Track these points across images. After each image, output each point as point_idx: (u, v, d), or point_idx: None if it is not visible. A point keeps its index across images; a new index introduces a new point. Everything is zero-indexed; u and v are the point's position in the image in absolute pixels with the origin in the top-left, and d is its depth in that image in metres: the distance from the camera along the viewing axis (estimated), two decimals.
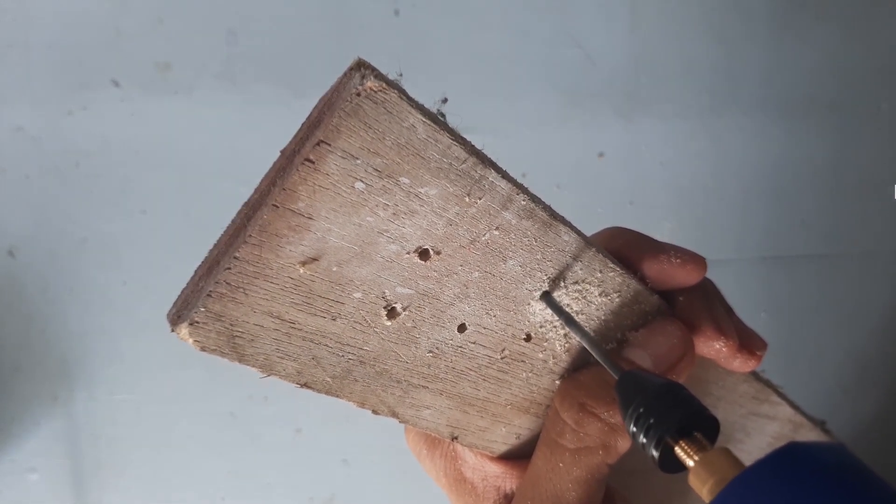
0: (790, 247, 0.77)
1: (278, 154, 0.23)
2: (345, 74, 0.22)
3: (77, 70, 0.66)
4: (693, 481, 0.24)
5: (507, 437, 0.32)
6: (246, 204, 0.23)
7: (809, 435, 0.43)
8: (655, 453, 0.25)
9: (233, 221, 0.23)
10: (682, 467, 0.25)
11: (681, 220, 0.73)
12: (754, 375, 0.39)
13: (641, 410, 0.25)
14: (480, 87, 0.70)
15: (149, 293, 0.68)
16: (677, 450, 0.24)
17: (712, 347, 0.32)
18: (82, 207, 0.67)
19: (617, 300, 0.30)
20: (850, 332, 0.79)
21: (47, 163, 0.66)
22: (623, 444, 0.29)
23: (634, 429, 0.25)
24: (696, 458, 0.24)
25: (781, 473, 0.21)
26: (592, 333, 0.31)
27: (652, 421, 0.25)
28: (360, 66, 0.21)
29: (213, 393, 0.69)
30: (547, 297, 0.28)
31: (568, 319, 0.28)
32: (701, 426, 0.25)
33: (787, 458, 0.22)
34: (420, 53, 0.69)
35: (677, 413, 0.24)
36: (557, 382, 0.31)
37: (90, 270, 0.67)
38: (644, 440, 0.25)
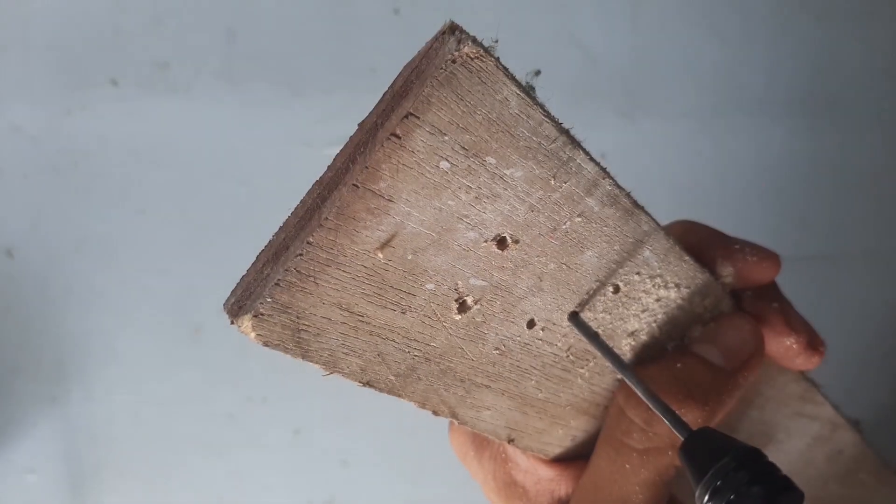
0: (790, 247, 0.77)
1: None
2: (436, 39, 0.20)
3: (75, 69, 0.66)
4: None
5: (562, 439, 0.31)
6: (318, 182, 0.21)
7: (846, 436, 0.42)
8: None
9: (302, 201, 0.21)
10: None
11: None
12: (802, 375, 0.37)
13: (719, 483, 0.23)
14: None
15: (147, 293, 0.67)
16: None
17: (782, 344, 0.31)
18: (80, 207, 0.66)
19: (688, 293, 0.29)
20: (850, 332, 0.79)
21: (45, 162, 0.66)
22: None
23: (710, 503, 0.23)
24: None
25: None
26: (650, 338, 0.29)
27: (732, 498, 0.22)
28: (455, 30, 0.19)
29: (212, 394, 0.69)
30: (577, 320, 0.27)
31: (619, 363, 0.26)
32: (785, 502, 0.23)
33: None
34: None
35: (761, 489, 0.22)
36: (619, 379, 0.30)
37: (88, 270, 0.67)
38: None
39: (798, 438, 0.41)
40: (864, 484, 0.45)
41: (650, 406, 0.26)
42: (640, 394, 0.26)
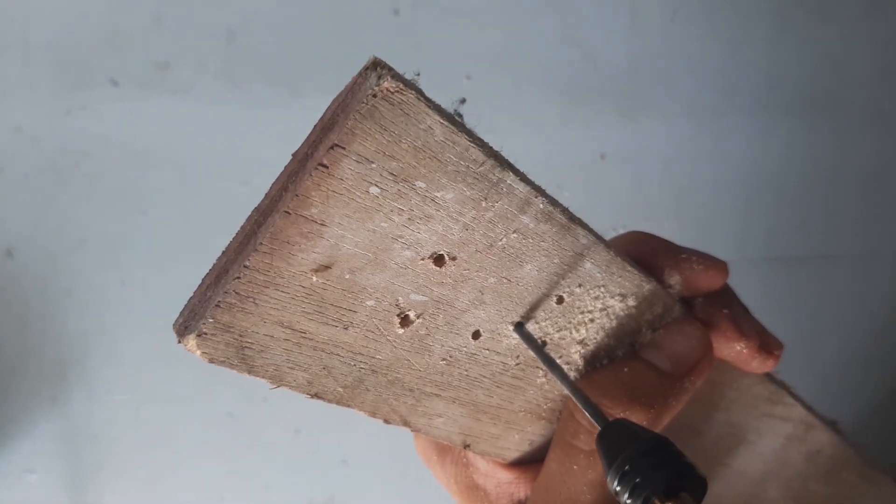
0: (791, 247, 0.77)
1: (288, 155, 0.22)
2: (360, 74, 0.21)
3: (76, 70, 0.66)
4: None
5: (519, 443, 0.32)
6: (256, 209, 0.22)
7: (821, 436, 0.42)
8: None
9: (242, 228, 0.22)
10: None
11: (682, 221, 0.73)
12: (768, 377, 0.38)
13: (627, 468, 0.24)
14: (480, 87, 0.69)
15: (147, 293, 0.67)
16: None
17: (732, 349, 0.32)
18: (81, 207, 0.67)
19: (634, 302, 0.30)
20: (850, 332, 0.79)
21: (46, 163, 0.66)
22: None
23: (618, 487, 0.24)
24: None
25: None
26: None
27: (638, 480, 0.23)
28: (377, 66, 0.20)
29: (213, 394, 0.69)
30: (520, 329, 0.27)
31: (550, 363, 0.27)
32: (688, 486, 0.24)
33: None
34: (420, 53, 0.69)
35: (665, 472, 0.23)
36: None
37: (88, 271, 0.67)
38: (629, 500, 0.24)
39: (770, 439, 0.41)
40: (850, 483, 0.46)
41: (571, 397, 0.27)
42: (564, 387, 0.27)
